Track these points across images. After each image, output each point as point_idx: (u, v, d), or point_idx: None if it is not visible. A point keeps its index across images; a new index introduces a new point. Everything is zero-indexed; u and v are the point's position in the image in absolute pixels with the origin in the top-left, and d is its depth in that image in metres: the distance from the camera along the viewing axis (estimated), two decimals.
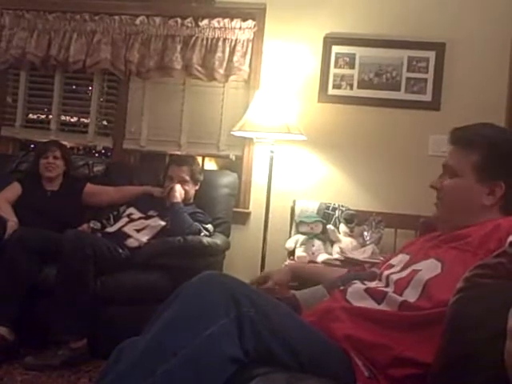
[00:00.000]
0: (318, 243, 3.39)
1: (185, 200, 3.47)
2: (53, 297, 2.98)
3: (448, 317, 1.31)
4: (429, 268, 1.63)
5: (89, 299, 2.97)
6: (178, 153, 4.07)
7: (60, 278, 3.01)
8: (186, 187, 3.51)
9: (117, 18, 4.08)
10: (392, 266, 1.79)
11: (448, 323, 1.30)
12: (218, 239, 3.40)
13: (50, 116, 4.42)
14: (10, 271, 3.03)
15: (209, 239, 3.29)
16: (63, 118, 4.48)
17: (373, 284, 1.75)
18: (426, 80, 3.72)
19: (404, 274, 1.67)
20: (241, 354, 1.39)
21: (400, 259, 1.80)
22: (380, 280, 1.76)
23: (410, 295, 1.58)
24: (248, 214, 3.92)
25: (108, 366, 1.50)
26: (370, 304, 1.64)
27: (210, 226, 3.42)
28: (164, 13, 4.04)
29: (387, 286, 1.69)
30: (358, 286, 1.74)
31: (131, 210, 3.50)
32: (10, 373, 2.82)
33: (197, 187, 3.61)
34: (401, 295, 1.59)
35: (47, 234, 3.23)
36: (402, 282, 1.63)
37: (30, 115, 4.52)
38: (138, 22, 4.06)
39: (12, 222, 3.28)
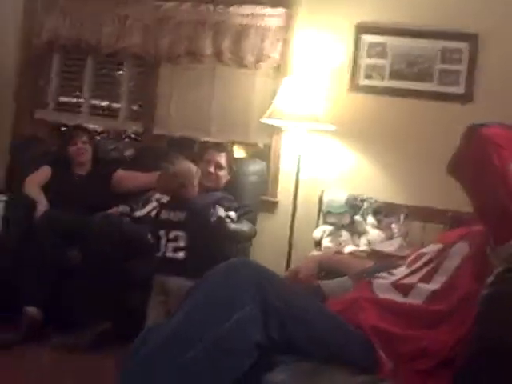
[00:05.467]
0: (345, 234, 3.38)
1: (216, 186, 3.43)
2: (79, 279, 3.03)
3: (485, 298, 1.30)
4: (457, 252, 1.63)
5: (114, 283, 3.00)
6: (207, 139, 4.07)
7: (86, 261, 3.06)
8: (221, 173, 3.47)
9: (149, 2, 4.09)
10: (424, 254, 1.79)
11: (485, 304, 1.30)
12: (245, 226, 3.38)
13: (81, 100, 4.46)
14: (38, 253, 3.08)
15: (235, 226, 3.26)
16: (94, 101, 4.51)
17: (400, 271, 1.75)
18: (458, 71, 3.66)
19: (434, 262, 1.68)
20: (266, 340, 1.40)
21: (432, 248, 1.81)
22: (409, 267, 1.76)
23: (437, 282, 1.58)
24: (276, 202, 3.91)
25: (134, 348, 1.52)
26: (396, 297, 1.64)
27: (232, 214, 3.35)
28: None
29: (415, 274, 1.69)
30: (384, 279, 1.74)
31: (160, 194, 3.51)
32: (38, 352, 2.89)
33: (229, 177, 3.56)
34: (428, 283, 1.60)
35: (75, 216, 3.27)
36: (430, 271, 1.64)
37: (62, 98, 4.55)
38: (169, 6, 4.06)
39: (41, 205, 3.33)
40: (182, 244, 2.79)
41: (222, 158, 3.48)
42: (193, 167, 3.02)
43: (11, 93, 4.40)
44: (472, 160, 1.51)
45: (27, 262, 3.09)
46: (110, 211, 3.38)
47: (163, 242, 2.80)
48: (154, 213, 2.92)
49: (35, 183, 3.53)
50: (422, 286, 1.62)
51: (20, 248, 3.12)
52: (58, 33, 4.24)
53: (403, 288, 1.66)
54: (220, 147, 3.55)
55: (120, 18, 4.15)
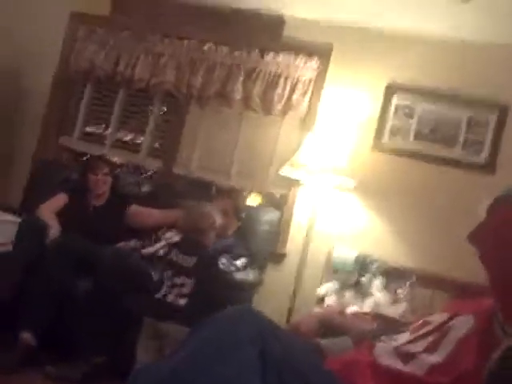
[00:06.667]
0: (349, 294, 3.35)
1: (222, 233, 3.40)
2: (81, 309, 3.00)
3: (492, 373, 1.28)
4: (462, 324, 1.60)
5: (117, 318, 2.97)
6: (226, 183, 4.08)
7: (93, 293, 3.03)
8: (226, 220, 3.46)
9: (185, 42, 4.17)
10: (429, 322, 1.75)
11: (491, 379, 1.28)
12: (251, 275, 3.34)
13: (107, 131, 4.51)
14: (45, 278, 3.07)
15: (240, 274, 3.24)
16: (119, 134, 4.56)
17: (403, 337, 1.71)
18: (483, 142, 3.64)
19: (438, 332, 1.64)
20: None
21: (436, 318, 1.77)
22: (412, 333, 1.72)
23: (440, 355, 1.54)
24: (284, 254, 3.85)
25: None
26: (396, 363, 1.61)
27: (239, 262, 3.33)
28: (231, 42, 4.09)
29: (418, 341, 1.65)
30: (387, 343, 1.71)
31: (170, 233, 3.50)
32: (30, 379, 2.85)
33: (238, 223, 3.57)
34: (431, 355, 1.57)
35: (87, 245, 3.26)
36: (434, 341, 1.60)
37: (88, 128, 4.61)
38: (205, 48, 4.13)
39: (54, 229, 3.33)
40: (186, 291, 2.76)
41: (228, 205, 3.50)
42: (217, 215, 3.07)
43: (41, 117, 4.49)
44: (497, 232, 1.50)
45: (33, 286, 3.07)
46: (120, 245, 3.39)
47: (166, 284, 2.78)
48: (161, 252, 2.92)
49: (49, 209, 3.54)
50: (424, 357, 1.59)
51: (28, 270, 3.10)
52: (94, 63, 4.34)
53: (405, 355, 1.63)
54: (227, 194, 3.58)
55: (155, 54, 4.23)
